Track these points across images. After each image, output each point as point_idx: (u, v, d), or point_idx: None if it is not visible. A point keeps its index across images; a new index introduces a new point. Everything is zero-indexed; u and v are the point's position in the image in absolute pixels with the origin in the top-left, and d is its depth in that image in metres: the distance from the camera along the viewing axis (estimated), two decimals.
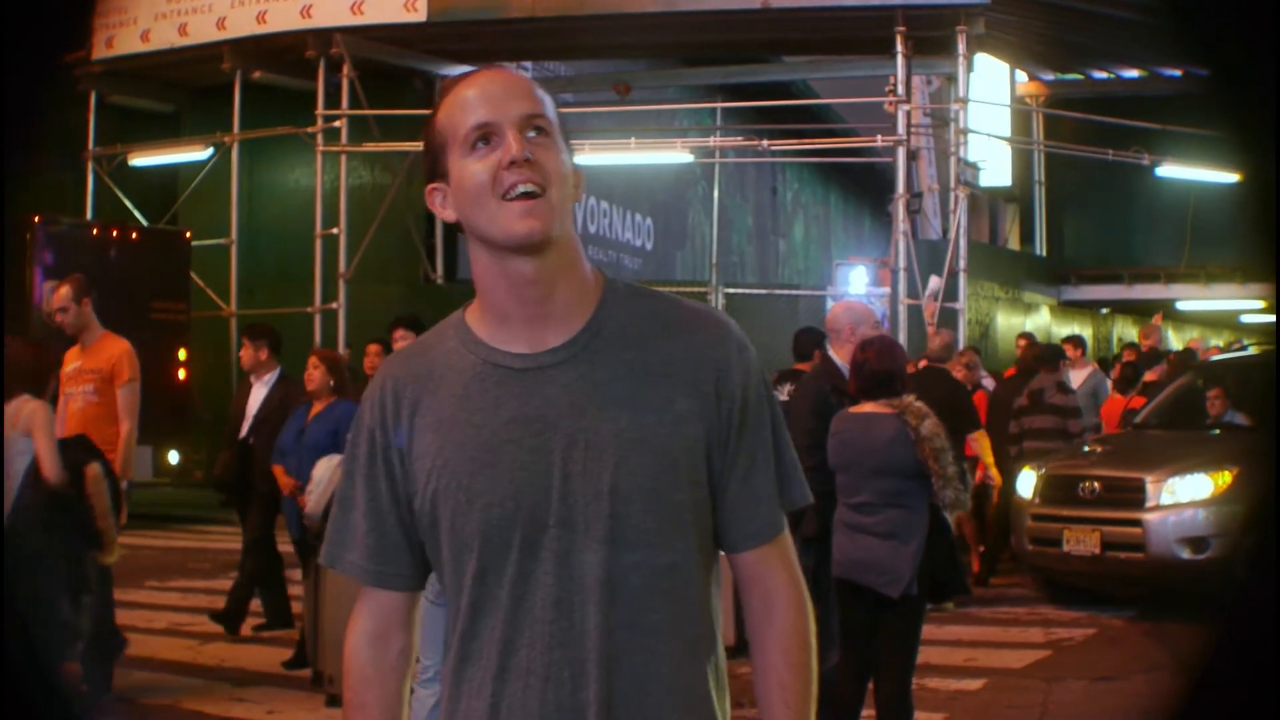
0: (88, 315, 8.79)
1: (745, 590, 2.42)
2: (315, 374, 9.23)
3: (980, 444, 11.71)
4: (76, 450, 7.83)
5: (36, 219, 16.56)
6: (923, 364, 12.38)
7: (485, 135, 2.28)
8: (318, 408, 9.17)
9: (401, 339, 9.52)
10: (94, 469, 7.77)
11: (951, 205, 19.48)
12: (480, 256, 2.33)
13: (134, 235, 18.48)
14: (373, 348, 11.23)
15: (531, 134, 2.28)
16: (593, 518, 2.25)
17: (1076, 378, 11.81)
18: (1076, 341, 14.00)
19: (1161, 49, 21.00)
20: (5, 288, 15.95)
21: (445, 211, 2.36)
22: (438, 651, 6.85)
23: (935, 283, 17.41)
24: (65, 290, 8.79)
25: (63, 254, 16.72)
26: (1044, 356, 13.83)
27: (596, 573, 2.25)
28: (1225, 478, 11.40)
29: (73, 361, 8.78)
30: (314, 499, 8.47)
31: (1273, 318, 19.64)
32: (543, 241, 2.26)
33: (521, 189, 2.24)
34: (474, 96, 2.30)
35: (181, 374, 17.49)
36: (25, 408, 7.44)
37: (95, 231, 18.10)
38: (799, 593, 2.42)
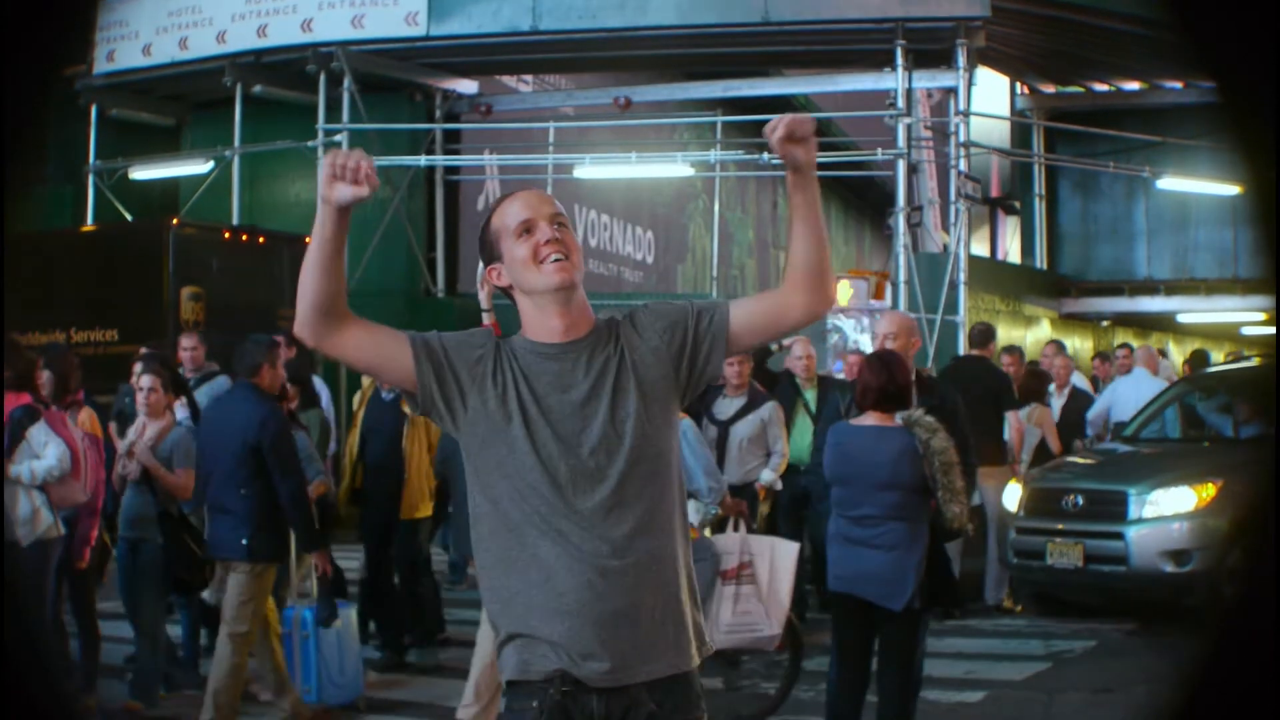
0: None
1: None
2: None
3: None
4: None
5: (175, 220, 16.20)
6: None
7: (528, 228, 3.57)
8: None
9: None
10: None
11: (952, 218, 19.49)
12: (526, 307, 3.61)
13: (261, 240, 17.82)
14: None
15: (556, 226, 3.56)
16: None
17: None
18: None
19: (1163, 61, 21.03)
20: (138, 294, 15.88)
21: (502, 280, 3.64)
22: None
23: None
24: None
25: (196, 258, 16.38)
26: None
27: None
28: (1209, 490, 11.36)
29: None
30: None
31: (1273, 329, 19.64)
32: (570, 288, 3.54)
33: (554, 257, 3.52)
34: (518, 204, 3.61)
35: None
36: None
37: (226, 235, 17.49)
38: None
